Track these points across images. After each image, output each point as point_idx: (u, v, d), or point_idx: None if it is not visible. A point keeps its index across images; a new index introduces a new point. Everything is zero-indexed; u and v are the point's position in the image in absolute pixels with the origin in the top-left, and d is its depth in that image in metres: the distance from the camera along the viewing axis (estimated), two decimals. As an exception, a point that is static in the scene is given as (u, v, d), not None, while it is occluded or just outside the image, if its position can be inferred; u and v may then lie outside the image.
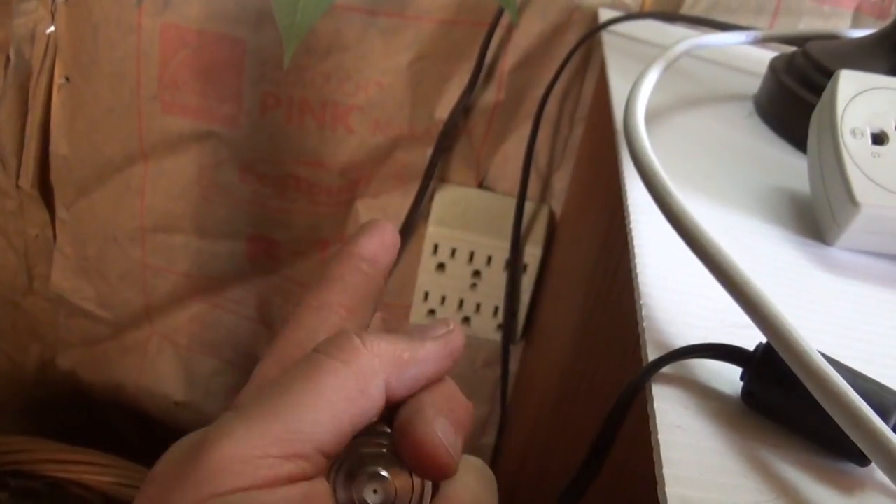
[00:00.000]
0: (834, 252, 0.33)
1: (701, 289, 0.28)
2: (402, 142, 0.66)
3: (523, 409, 0.70)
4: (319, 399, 0.21)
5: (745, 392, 0.24)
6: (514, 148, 0.68)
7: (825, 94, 0.35)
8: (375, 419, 0.23)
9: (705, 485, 0.21)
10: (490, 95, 0.65)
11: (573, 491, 0.24)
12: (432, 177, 0.68)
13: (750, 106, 0.48)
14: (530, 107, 0.66)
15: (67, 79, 0.68)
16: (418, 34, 0.61)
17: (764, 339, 0.23)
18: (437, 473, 0.23)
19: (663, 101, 0.45)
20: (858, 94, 0.34)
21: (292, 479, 0.21)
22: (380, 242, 0.27)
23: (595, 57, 0.64)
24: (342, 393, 0.22)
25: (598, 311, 0.42)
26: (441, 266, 0.69)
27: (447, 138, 0.66)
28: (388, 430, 0.23)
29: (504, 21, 0.62)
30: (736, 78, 0.53)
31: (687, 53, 0.46)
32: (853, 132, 0.33)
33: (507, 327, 0.72)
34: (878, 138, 0.33)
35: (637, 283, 0.28)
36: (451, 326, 0.25)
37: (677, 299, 0.27)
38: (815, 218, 0.35)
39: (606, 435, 0.24)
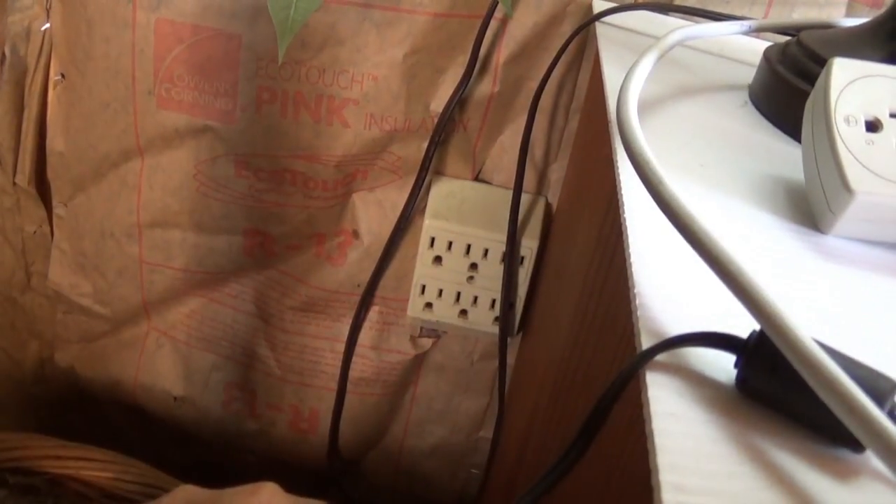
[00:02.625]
0: (828, 240, 0.33)
1: (695, 277, 0.28)
2: (397, 135, 0.66)
3: (521, 401, 0.70)
4: None
5: (740, 379, 0.24)
6: (510, 140, 0.68)
7: (819, 82, 0.35)
8: None
9: (699, 472, 0.21)
10: (485, 88, 0.65)
11: (557, 471, 0.24)
12: (428, 170, 0.68)
13: (744, 95, 0.48)
14: (525, 99, 0.66)
15: (63, 75, 0.68)
16: (412, 27, 0.61)
17: (757, 327, 0.23)
18: None
19: (657, 91, 0.45)
20: (852, 81, 0.34)
21: None
22: None
23: (590, 48, 0.64)
24: None
25: (594, 302, 0.42)
26: (438, 259, 0.69)
27: (443, 131, 0.66)
28: None
29: (498, 13, 0.62)
30: (730, 68, 0.53)
31: (681, 43, 0.46)
32: (847, 120, 0.33)
33: (504, 320, 0.72)
34: (872, 126, 0.33)
35: (630, 272, 0.28)
36: None
37: (671, 288, 0.27)
38: (809, 206, 0.35)
39: (595, 420, 0.24)
